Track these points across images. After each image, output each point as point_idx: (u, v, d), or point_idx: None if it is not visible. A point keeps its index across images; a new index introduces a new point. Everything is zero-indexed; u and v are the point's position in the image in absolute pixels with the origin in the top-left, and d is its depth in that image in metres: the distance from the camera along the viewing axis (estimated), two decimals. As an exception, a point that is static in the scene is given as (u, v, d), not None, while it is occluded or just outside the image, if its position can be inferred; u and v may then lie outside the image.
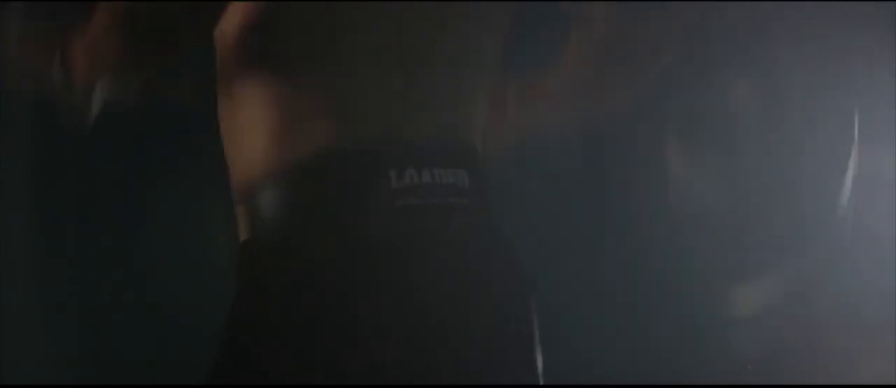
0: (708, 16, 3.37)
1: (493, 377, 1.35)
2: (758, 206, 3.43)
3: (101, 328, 3.07)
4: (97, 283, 3.06)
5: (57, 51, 1.43)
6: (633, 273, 3.34)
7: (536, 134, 1.59)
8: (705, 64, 3.53)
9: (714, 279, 3.37)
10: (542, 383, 1.41)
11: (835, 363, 3.30)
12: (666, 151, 3.33)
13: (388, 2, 1.37)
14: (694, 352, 3.29)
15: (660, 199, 3.38)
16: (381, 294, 1.29)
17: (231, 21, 1.36)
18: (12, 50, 1.39)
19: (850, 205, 3.43)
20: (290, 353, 1.28)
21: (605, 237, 3.34)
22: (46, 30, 1.39)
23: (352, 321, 1.28)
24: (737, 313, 3.35)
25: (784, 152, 3.45)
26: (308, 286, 1.29)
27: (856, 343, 3.33)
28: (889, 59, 3.41)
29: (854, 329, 3.34)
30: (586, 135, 3.33)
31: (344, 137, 1.32)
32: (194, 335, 3.10)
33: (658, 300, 3.34)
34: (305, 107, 1.33)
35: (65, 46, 1.43)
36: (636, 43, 1.61)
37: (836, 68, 3.42)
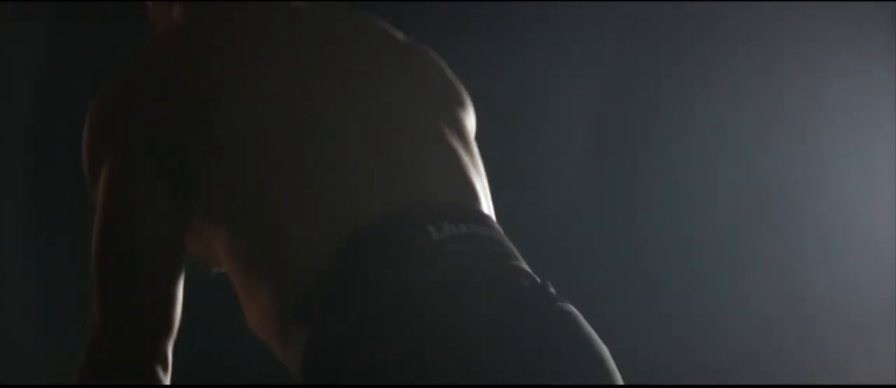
0: (708, 16, 3.38)
1: None
2: (757, 205, 3.44)
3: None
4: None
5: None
6: (632, 273, 3.34)
7: None
8: (705, 65, 3.53)
9: (713, 279, 3.37)
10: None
11: (833, 361, 3.31)
12: (666, 152, 3.34)
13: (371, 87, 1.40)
14: (693, 351, 3.29)
15: (659, 199, 3.38)
16: (454, 341, 1.27)
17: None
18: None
19: (849, 204, 3.43)
20: None
21: (603, 238, 3.34)
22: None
23: (424, 369, 1.25)
24: (736, 312, 3.36)
25: (783, 151, 3.46)
26: (384, 357, 1.27)
27: (854, 341, 3.33)
28: (889, 59, 3.42)
29: (853, 327, 3.35)
30: (588, 136, 3.34)
31: (371, 213, 1.32)
32: (192, 335, 3.10)
33: (657, 300, 3.35)
34: (324, 200, 1.32)
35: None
36: None
37: (835, 68, 3.42)
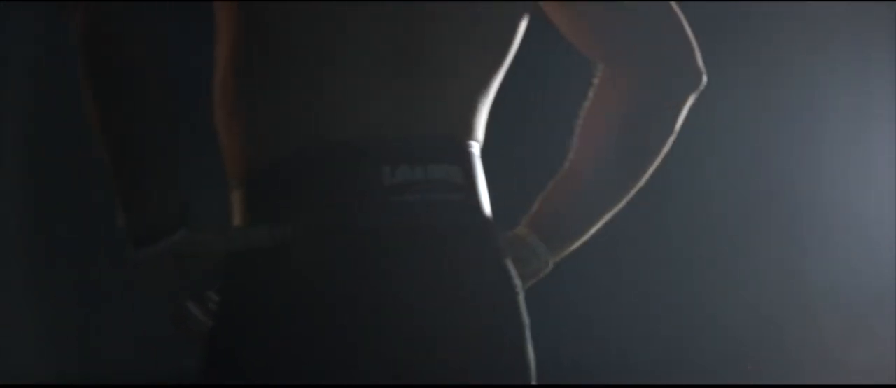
0: (708, 15, 3.37)
1: (483, 378, 1.36)
2: (757, 203, 3.44)
3: (101, 328, 3.07)
4: (96, 283, 3.06)
5: None
6: (634, 270, 3.34)
7: None
8: (704, 63, 3.52)
9: (713, 274, 3.37)
10: (534, 382, 1.40)
11: (832, 354, 3.31)
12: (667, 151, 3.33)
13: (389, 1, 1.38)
14: (694, 346, 3.30)
15: (659, 196, 3.38)
16: (370, 291, 1.31)
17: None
18: None
19: (848, 201, 3.43)
20: (274, 350, 1.30)
21: (603, 235, 3.34)
22: None
23: (339, 318, 1.29)
24: (736, 306, 3.36)
25: (782, 148, 3.46)
26: (298, 281, 1.31)
27: (853, 334, 3.34)
28: (889, 59, 3.42)
29: (852, 320, 3.35)
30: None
31: (339, 131, 1.34)
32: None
33: (658, 295, 3.35)
34: (303, 97, 1.32)
35: None
36: None
37: (835, 67, 3.42)
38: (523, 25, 1.46)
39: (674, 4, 1.50)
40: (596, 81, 1.52)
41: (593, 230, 1.55)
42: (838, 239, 3.40)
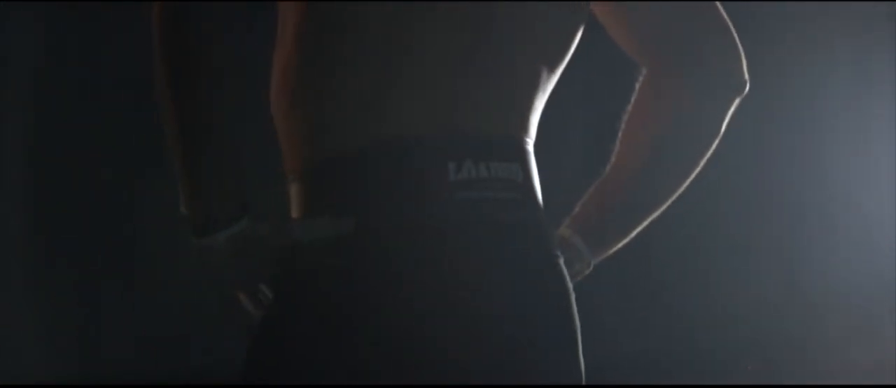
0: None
1: (540, 377, 1.37)
2: (758, 203, 3.44)
3: (101, 328, 3.08)
4: (96, 283, 3.06)
5: None
6: (634, 271, 3.34)
7: None
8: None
9: (718, 271, 3.38)
10: (584, 382, 1.41)
11: (834, 348, 3.32)
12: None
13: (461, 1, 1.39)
14: (694, 348, 3.30)
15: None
16: (433, 285, 1.32)
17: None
18: None
19: (849, 201, 3.44)
20: (336, 342, 1.31)
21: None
22: None
23: (401, 311, 1.31)
24: (739, 303, 3.36)
25: (783, 151, 3.46)
26: (360, 273, 1.32)
27: (855, 328, 3.34)
28: (888, 58, 3.42)
29: (853, 315, 3.35)
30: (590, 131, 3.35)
31: (404, 126, 1.35)
32: (191, 336, 3.10)
33: (658, 298, 3.35)
34: (368, 92, 1.34)
35: None
36: None
37: (835, 67, 3.43)
38: (581, 29, 1.47)
39: (722, 9, 1.50)
40: (638, 84, 1.52)
41: (635, 233, 1.55)
42: (839, 239, 3.40)
